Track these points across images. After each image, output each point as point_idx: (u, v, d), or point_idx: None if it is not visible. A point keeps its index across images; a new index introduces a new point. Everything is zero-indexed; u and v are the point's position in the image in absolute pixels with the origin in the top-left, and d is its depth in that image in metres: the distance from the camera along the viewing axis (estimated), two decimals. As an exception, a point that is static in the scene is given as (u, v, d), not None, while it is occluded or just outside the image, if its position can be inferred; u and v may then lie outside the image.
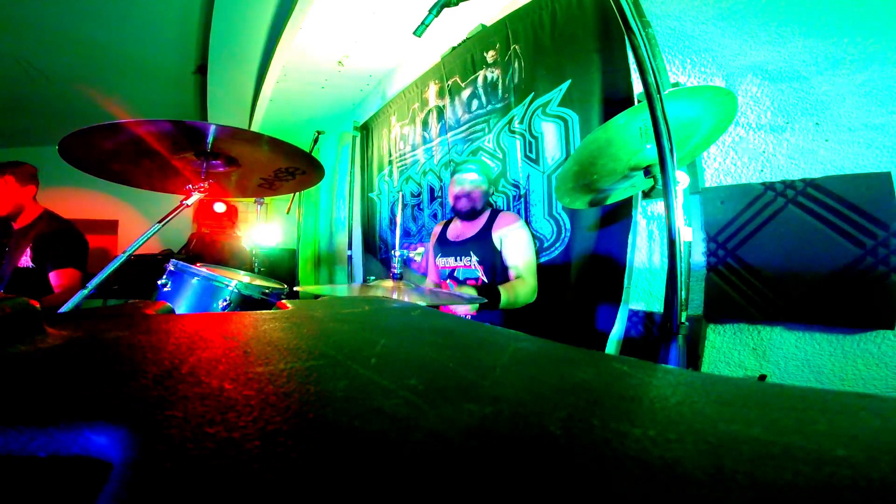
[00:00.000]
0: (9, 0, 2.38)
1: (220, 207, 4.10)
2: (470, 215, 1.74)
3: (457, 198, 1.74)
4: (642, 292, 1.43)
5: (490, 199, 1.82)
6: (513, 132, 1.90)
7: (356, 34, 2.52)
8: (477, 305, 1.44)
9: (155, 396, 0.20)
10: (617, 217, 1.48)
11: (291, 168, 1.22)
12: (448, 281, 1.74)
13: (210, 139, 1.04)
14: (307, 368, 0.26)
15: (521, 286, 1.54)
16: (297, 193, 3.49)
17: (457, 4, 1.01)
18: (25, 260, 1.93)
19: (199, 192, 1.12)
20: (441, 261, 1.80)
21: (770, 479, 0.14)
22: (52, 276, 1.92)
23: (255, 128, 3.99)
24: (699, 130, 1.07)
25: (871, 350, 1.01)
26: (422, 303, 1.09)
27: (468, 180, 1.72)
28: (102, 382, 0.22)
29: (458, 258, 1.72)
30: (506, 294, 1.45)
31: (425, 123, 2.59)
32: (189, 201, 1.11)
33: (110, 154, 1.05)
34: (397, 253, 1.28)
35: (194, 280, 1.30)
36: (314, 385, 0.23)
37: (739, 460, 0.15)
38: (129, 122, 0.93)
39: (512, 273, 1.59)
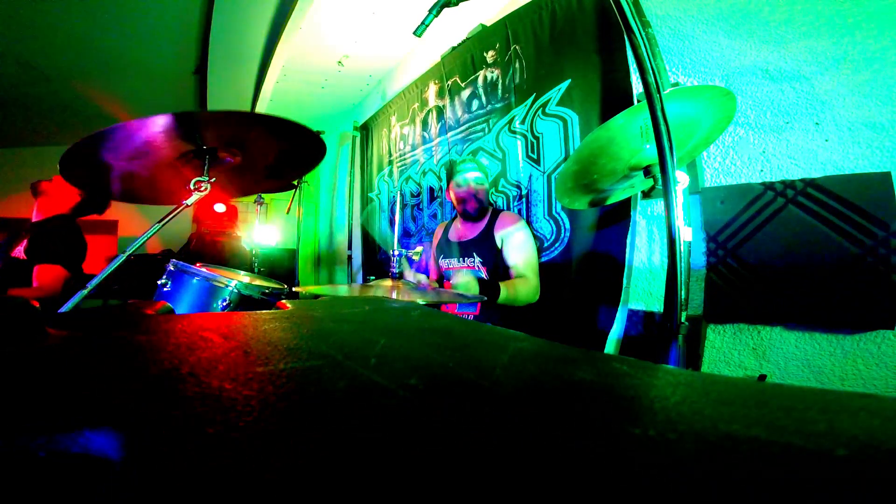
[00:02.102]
0: (9, 0, 2.38)
1: (220, 207, 4.09)
2: (476, 216, 1.72)
3: (463, 200, 1.71)
4: (642, 292, 1.43)
5: (490, 198, 1.81)
6: (513, 132, 1.90)
7: (356, 34, 2.52)
8: (477, 290, 1.42)
9: (155, 396, 0.20)
10: (617, 217, 1.48)
11: (292, 148, 1.21)
12: (451, 281, 1.74)
13: (199, 128, 1.04)
14: (307, 368, 0.26)
15: (523, 284, 1.54)
16: (297, 193, 3.49)
17: (457, 4, 1.01)
18: (19, 251, 1.93)
19: (200, 191, 1.12)
20: (444, 262, 1.80)
21: (770, 480, 0.14)
22: (35, 270, 1.89)
23: (254, 128, 3.98)
24: (699, 130, 1.07)
25: (871, 350, 1.01)
26: (421, 301, 1.09)
27: (472, 179, 1.69)
28: (102, 382, 0.22)
29: (461, 259, 1.72)
30: (506, 290, 1.44)
31: (425, 123, 2.59)
32: (189, 201, 1.11)
33: (110, 170, 1.05)
34: (397, 252, 1.28)
35: (194, 280, 1.30)
36: (314, 385, 0.23)
37: (739, 460, 0.15)
38: (121, 124, 0.92)
39: (513, 273, 1.59)
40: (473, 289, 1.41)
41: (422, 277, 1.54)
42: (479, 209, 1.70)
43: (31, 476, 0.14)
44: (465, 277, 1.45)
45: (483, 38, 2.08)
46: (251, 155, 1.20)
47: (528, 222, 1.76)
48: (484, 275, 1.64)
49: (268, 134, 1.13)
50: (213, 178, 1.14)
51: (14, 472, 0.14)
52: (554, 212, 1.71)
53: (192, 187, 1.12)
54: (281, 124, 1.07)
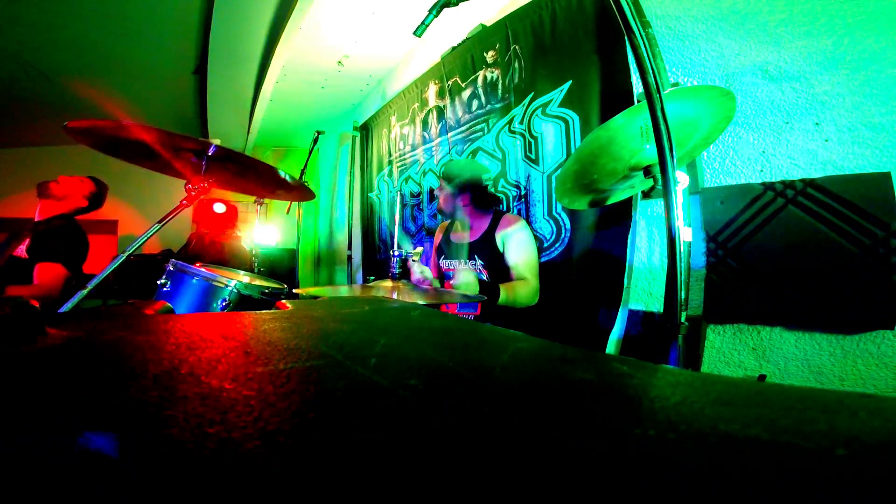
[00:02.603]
0: (9, 0, 2.38)
1: (220, 208, 4.09)
2: (446, 216, 1.85)
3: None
4: (642, 292, 1.42)
5: (473, 197, 1.72)
6: (513, 132, 1.90)
7: (356, 34, 2.52)
8: (477, 290, 1.43)
9: (155, 396, 0.20)
10: (617, 217, 1.48)
11: (288, 179, 1.25)
12: (451, 281, 1.74)
13: (210, 152, 1.07)
14: (307, 368, 0.26)
15: (523, 287, 1.54)
16: (297, 193, 3.49)
17: (457, 4, 1.01)
18: (21, 250, 1.93)
19: (199, 191, 1.13)
20: (444, 263, 1.80)
21: (770, 480, 0.14)
22: (36, 269, 1.89)
23: (254, 127, 3.98)
24: (698, 130, 1.07)
25: (871, 350, 1.01)
26: (421, 301, 1.09)
27: (436, 185, 1.86)
28: (102, 382, 0.22)
29: (462, 261, 1.72)
30: (505, 293, 1.44)
31: (425, 123, 2.59)
32: (188, 202, 1.11)
33: (113, 142, 1.07)
34: (396, 252, 1.28)
35: (194, 280, 1.30)
36: (314, 385, 0.23)
37: (739, 460, 0.15)
38: (138, 125, 0.93)
39: (513, 273, 1.59)
40: (473, 288, 1.41)
41: (427, 272, 1.53)
42: (439, 212, 1.84)
43: (30, 476, 0.14)
44: (465, 276, 1.45)
45: (483, 38, 2.08)
46: (246, 174, 1.23)
47: (528, 223, 1.76)
48: (485, 277, 1.64)
49: (261, 170, 1.18)
50: (211, 180, 1.15)
51: (14, 472, 0.14)
52: (554, 212, 1.71)
53: (190, 187, 1.13)
54: (271, 171, 1.16)
